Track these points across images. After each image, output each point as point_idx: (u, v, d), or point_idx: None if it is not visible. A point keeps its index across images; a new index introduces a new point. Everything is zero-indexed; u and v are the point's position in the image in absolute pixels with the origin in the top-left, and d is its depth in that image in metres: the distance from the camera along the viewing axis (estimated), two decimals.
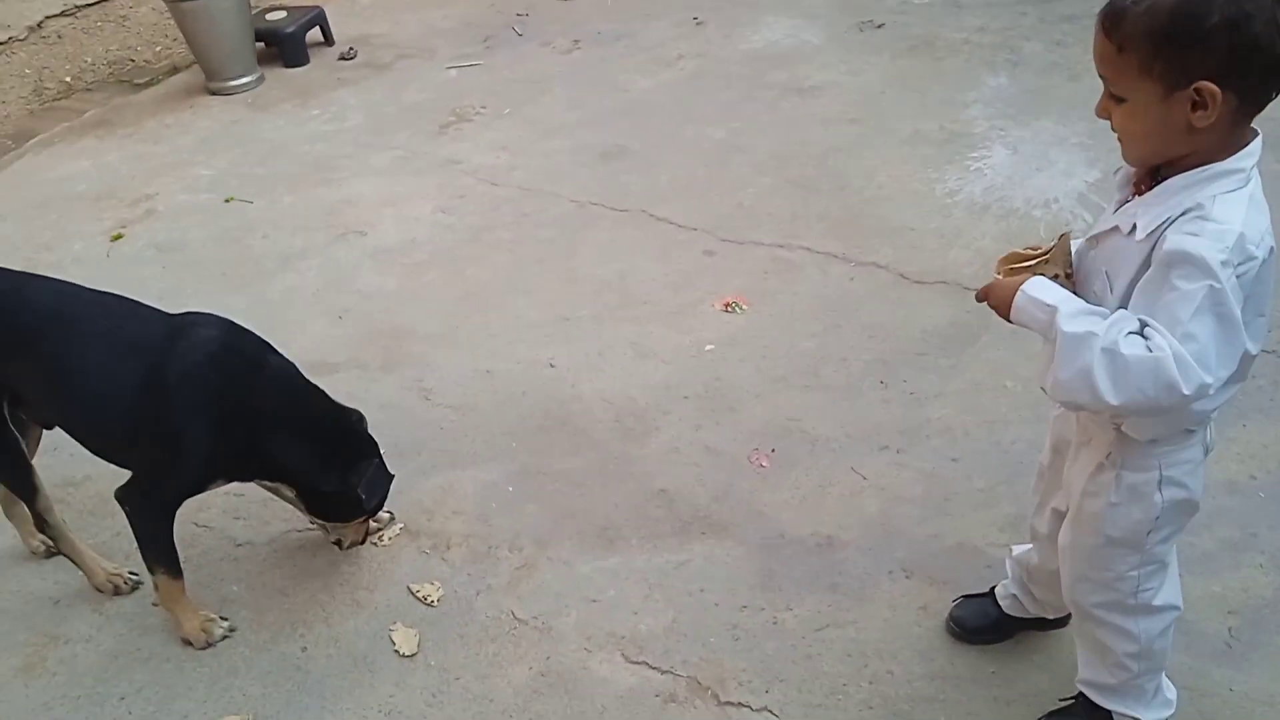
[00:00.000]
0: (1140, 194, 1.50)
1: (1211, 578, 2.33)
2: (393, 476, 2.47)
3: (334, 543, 2.54)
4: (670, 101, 4.92)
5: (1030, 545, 2.06)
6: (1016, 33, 5.10)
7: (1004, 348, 3.00)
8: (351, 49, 5.90)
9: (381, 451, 2.44)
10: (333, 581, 2.55)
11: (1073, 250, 1.61)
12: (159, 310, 2.35)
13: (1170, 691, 1.94)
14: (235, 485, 2.63)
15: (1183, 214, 1.40)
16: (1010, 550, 2.17)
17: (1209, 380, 1.35)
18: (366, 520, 2.51)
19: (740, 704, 2.16)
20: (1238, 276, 1.37)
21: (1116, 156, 1.56)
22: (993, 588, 2.22)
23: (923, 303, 3.31)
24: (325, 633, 2.42)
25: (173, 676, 2.34)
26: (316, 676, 2.32)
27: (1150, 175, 1.51)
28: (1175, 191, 1.43)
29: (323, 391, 2.38)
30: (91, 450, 2.36)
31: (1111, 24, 1.40)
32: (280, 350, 2.40)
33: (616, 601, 2.42)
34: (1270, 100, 1.41)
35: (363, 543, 2.58)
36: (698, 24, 5.76)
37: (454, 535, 2.64)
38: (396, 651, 2.35)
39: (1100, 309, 1.47)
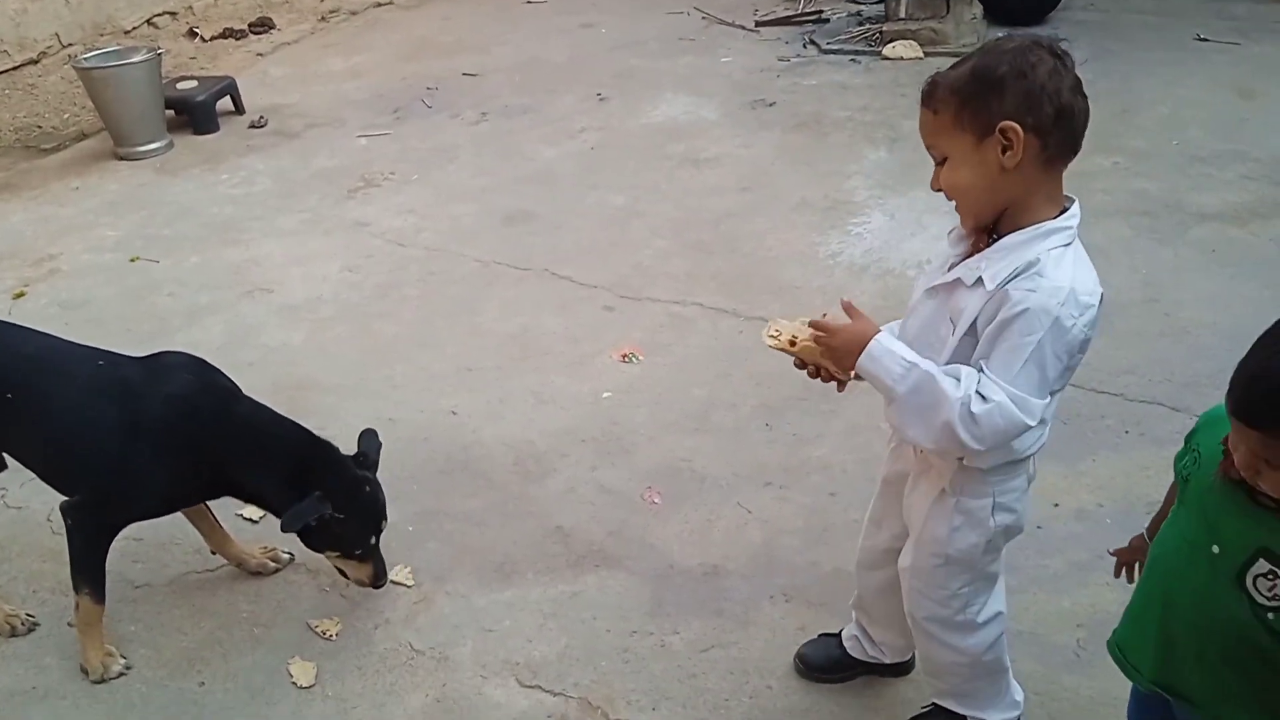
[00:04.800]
0: (979, 250, 1.69)
1: (1062, 595, 2.53)
2: (333, 516, 2.34)
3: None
4: (574, 170, 5.15)
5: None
6: (896, 112, 5.47)
7: (879, 393, 3.21)
8: (262, 118, 6.02)
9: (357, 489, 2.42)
10: (231, 620, 2.59)
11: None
12: (129, 356, 2.47)
13: (1017, 694, 2.10)
14: (133, 529, 2.69)
15: (1026, 267, 1.58)
16: (855, 596, 2.29)
17: (1030, 423, 1.59)
18: (359, 561, 2.44)
19: None
20: (1083, 325, 1.57)
21: None
22: (841, 629, 2.35)
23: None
24: (223, 668, 2.46)
25: (69, 713, 2.36)
26: (213, 710, 2.35)
27: (985, 235, 1.70)
28: (1014, 247, 1.62)
29: (293, 424, 2.47)
30: (52, 484, 2.44)
31: (927, 96, 1.63)
32: None
33: (511, 631, 2.52)
34: (1071, 152, 1.62)
35: (371, 586, 2.49)
36: (601, 100, 6.04)
37: None
38: (294, 684, 2.40)
39: (950, 367, 1.65)
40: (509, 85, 6.41)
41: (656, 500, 2.91)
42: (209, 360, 2.56)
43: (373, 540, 2.45)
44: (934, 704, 2.13)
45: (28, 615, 2.58)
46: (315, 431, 2.51)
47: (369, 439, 2.56)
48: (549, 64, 6.78)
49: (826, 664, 2.33)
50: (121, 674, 2.43)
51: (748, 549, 2.73)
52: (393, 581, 2.66)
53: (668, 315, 3.83)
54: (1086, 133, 1.62)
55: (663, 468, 3.04)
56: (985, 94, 1.55)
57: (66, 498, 2.40)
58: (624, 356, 3.58)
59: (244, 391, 2.53)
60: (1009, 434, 1.60)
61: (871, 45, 6.48)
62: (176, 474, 2.34)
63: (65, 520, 2.36)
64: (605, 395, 3.39)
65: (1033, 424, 1.59)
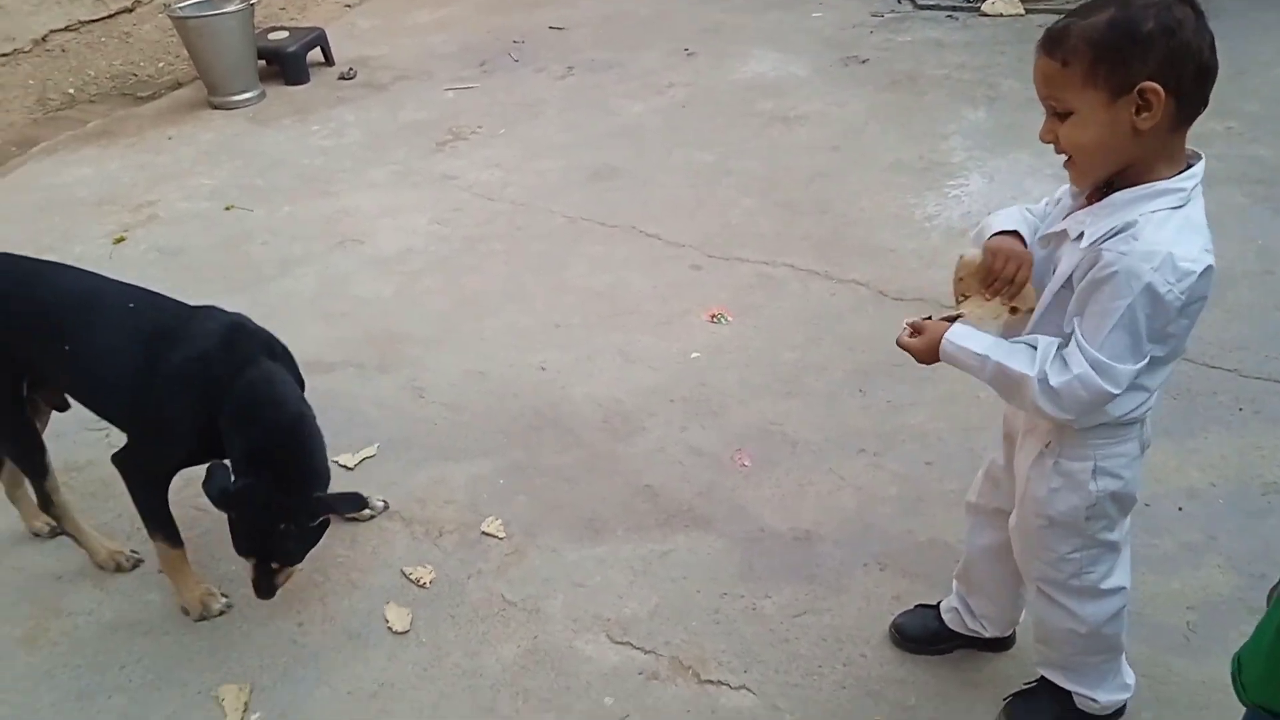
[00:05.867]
0: (1090, 204, 1.63)
1: (1172, 576, 2.44)
2: (226, 510, 2.27)
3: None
4: (660, 126, 5.08)
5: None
6: (995, 70, 5.30)
7: None
8: (351, 69, 6.05)
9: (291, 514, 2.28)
10: (328, 564, 2.63)
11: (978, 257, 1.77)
12: (178, 302, 2.45)
13: (1129, 676, 2.04)
14: None
15: (1124, 228, 1.52)
16: (959, 565, 2.25)
17: (1115, 391, 1.56)
18: (246, 559, 2.34)
19: (720, 682, 2.26)
20: (1180, 291, 1.50)
21: None
22: (940, 601, 2.30)
23: (901, 318, 3.38)
24: (321, 611, 2.50)
25: (172, 647, 2.42)
26: (312, 650, 2.40)
27: (1100, 189, 1.63)
28: (1120, 206, 1.56)
29: (295, 416, 2.33)
30: (113, 424, 2.48)
31: (1053, 43, 1.53)
32: None
33: (602, 586, 2.52)
34: (1199, 112, 1.54)
35: (258, 590, 2.36)
36: (688, 55, 5.95)
37: (446, 523, 2.73)
38: (390, 629, 2.43)
39: (1029, 338, 1.65)
40: (594, 39, 6.35)
41: (746, 463, 2.88)
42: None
43: (252, 560, 2.32)
44: (1041, 677, 2.08)
45: (132, 552, 2.65)
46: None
47: (348, 500, 2.42)
48: (634, 17, 6.69)
49: (923, 635, 2.29)
50: (223, 612, 2.49)
51: (840, 515, 2.68)
52: (484, 533, 2.69)
53: (757, 276, 3.77)
54: None
55: (753, 430, 3.00)
56: (1127, 50, 1.47)
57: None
58: (713, 317, 3.54)
59: (286, 359, 2.43)
60: (1095, 403, 1.58)
61: (969, 1, 6.27)
62: (194, 424, 2.29)
63: (119, 470, 2.39)
64: (694, 355, 3.35)
65: (1117, 392, 1.56)
